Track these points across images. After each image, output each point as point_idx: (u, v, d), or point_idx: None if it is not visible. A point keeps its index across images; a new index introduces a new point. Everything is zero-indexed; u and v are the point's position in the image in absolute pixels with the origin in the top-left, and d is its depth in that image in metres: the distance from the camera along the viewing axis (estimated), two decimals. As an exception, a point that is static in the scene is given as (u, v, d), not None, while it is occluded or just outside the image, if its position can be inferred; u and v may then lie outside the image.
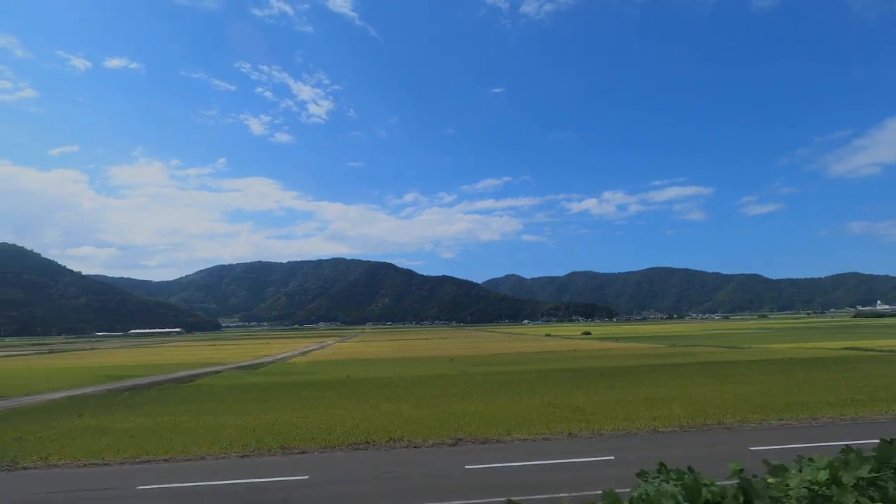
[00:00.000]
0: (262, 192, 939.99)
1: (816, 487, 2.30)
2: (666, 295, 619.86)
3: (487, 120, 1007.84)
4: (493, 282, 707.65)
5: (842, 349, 51.94)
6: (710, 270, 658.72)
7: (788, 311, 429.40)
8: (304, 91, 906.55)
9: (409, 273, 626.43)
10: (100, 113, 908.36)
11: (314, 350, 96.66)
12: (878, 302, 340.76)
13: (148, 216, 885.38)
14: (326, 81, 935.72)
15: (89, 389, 34.10)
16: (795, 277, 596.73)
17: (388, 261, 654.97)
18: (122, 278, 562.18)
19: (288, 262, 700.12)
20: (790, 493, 2.31)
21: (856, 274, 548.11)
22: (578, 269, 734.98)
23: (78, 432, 17.66)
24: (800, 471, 2.46)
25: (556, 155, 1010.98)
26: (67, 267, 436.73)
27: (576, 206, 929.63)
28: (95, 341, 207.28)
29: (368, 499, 9.85)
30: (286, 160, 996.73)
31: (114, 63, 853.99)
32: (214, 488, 11.00)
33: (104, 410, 23.27)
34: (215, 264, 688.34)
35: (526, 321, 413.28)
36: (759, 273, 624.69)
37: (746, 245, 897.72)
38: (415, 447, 13.38)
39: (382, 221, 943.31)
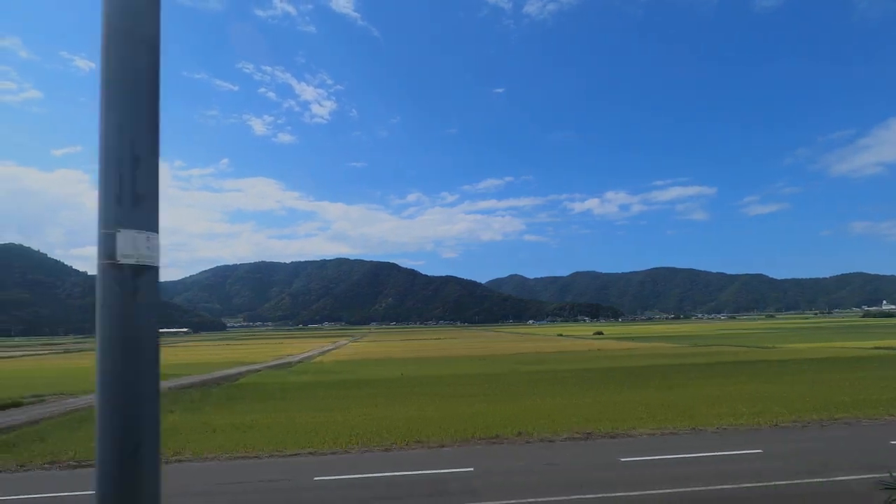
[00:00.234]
0: (264, 192, 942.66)
1: None
2: (669, 295, 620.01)
3: (489, 120, 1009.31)
4: (497, 282, 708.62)
5: (873, 348, 52.12)
6: (713, 270, 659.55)
7: (793, 312, 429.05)
8: (306, 91, 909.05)
9: (412, 273, 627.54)
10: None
11: (332, 349, 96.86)
12: (884, 302, 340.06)
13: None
14: (329, 82, 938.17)
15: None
16: (799, 277, 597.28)
17: (390, 261, 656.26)
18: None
19: (291, 262, 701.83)
20: None
21: (861, 274, 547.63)
22: (581, 270, 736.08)
23: (190, 428, 17.96)
24: None
25: (559, 155, 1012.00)
26: (73, 267, 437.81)
27: (578, 206, 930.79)
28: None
29: (543, 488, 10.11)
30: (288, 160, 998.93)
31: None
32: (391, 479, 11.30)
33: (188, 408, 23.54)
34: (217, 264, 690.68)
35: (531, 321, 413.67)
36: (763, 273, 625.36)
37: (750, 245, 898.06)
38: (549, 441, 13.65)
39: (384, 221, 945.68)
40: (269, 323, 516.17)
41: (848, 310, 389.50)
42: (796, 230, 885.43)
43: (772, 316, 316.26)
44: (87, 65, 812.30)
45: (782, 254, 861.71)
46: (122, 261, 1.54)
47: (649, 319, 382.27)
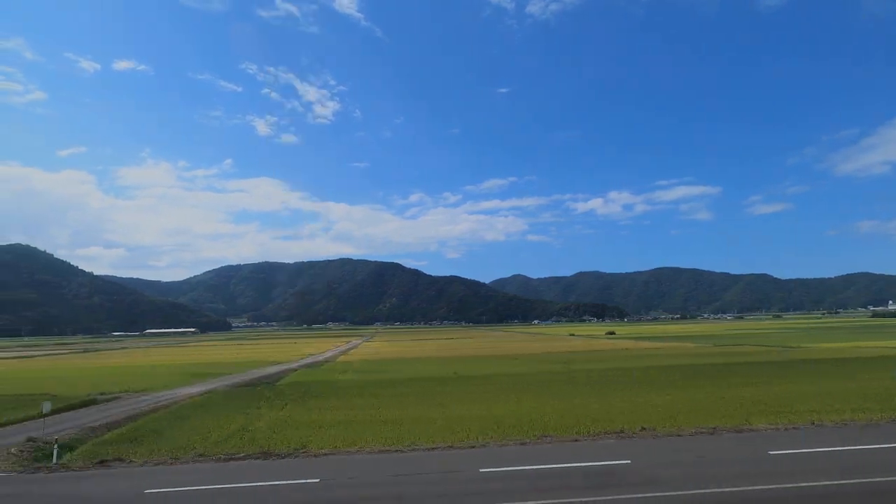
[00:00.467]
0: (267, 192, 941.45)
1: None
2: (674, 295, 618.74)
3: (492, 120, 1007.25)
4: (500, 282, 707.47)
5: (905, 348, 52.38)
6: (717, 270, 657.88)
7: (799, 312, 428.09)
8: (310, 92, 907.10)
9: (416, 273, 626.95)
10: (108, 114, 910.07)
11: (350, 349, 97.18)
12: (890, 302, 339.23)
13: (155, 217, 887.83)
14: (332, 82, 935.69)
15: (208, 385, 34.75)
16: (804, 277, 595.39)
17: (393, 261, 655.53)
18: (132, 278, 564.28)
19: (295, 262, 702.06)
20: None
21: (866, 274, 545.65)
22: (584, 270, 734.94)
23: (291, 424, 18.34)
24: None
25: (562, 155, 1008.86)
26: (79, 267, 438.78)
27: (581, 206, 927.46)
28: (115, 341, 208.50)
29: (697, 480, 10.51)
30: (292, 161, 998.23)
31: (122, 65, 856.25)
32: (556, 471, 11.64)
33: (274, 405, 23.89)
34: (221, 265, 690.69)
35: (536, 321, 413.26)
36: (767, 273, 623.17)
37: (754, 245, 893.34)
38: (678, 435, 14.04)
39: (387, 222, 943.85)
40: (274, 323, 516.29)
41: (854, 310, 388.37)
42: (801, 230, 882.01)
43: (778, 316, 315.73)
44: (92, 66, 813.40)
45: (787, 253, 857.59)
46: None
47: (655, 319, 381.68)
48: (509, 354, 65.74)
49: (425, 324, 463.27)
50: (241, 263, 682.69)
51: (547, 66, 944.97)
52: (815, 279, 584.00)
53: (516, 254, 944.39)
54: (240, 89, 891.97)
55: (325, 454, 13.92)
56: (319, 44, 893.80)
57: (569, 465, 12.02)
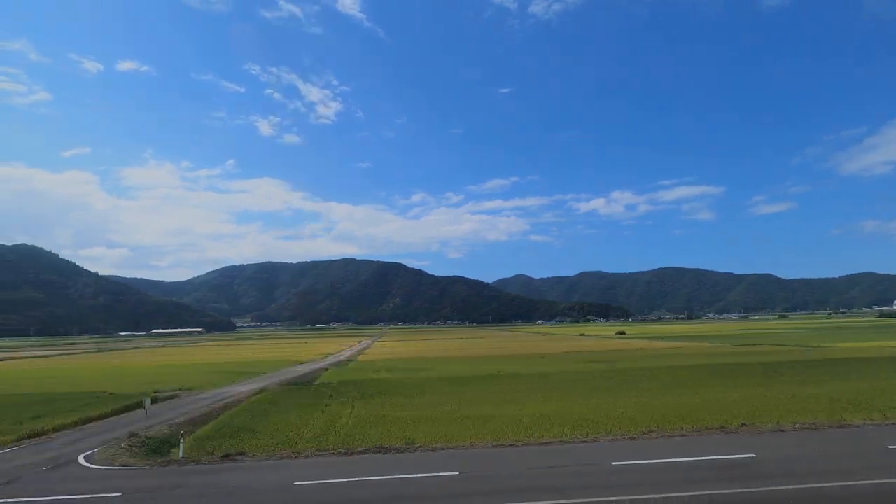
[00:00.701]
0: (270, 192, 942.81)
1: None
2: (677, 295, 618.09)
3: (495, 120, 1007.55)
4: (503, 282, 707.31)
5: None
6: (721, 270, 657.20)
7: (803, 312, 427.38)
8: (312, 92, 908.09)
9: (419, 273, 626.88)
10: (111, 115, 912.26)
11: (365, 349, 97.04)
12: (895, 302, 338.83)
13: (158, 217, 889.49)
14: (335, 83, 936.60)
15: (253, 384, 34.93)
16: (808, 277, 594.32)
17: (396, 261, 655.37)
18: (136, 279, 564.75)
19: (298, 262, 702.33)
20: None
21: (871, 274, 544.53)
22: (587, 270, 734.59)
23: (373, 420, 18.55)
24: None
25: (564, 155, 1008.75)
26: (84, 267, 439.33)
27: (584, 206, 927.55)
28: (123, 340, 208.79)
29: (827, 473, 10.81)
30: (294, 161, 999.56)
31: (125, 66, 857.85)
32: (684, 464, 11.84)
33: (337, 402, 24.10)
34: (224, 265, 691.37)
35: (540, 321, 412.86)
36: (771, 273, 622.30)
37: (758, 245, 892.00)
38: (781, 430, 14.29)
39: (389, 222, 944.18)
40: (277, 323, 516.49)
41: (859, 310, 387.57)
42: (805, 230, 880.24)
43: (784, 316, 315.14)
44: (96, 67, 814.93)
45: (791, 253, 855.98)
46: None
47: (659, 319, 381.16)
48: (535, 354, 65.90)
49: (429, 324, 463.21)
50: (245, 263, 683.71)
51: (549, 65, 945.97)
52: (818, 279, 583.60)
53: (518, 254, 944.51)
54: (243, 90, 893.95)
55: (449, 448, 14.14)
56: (322, 44, 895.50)
57: (695, 458, 12.23)
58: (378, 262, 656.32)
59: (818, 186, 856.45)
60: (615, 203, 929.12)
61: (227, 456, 14.01)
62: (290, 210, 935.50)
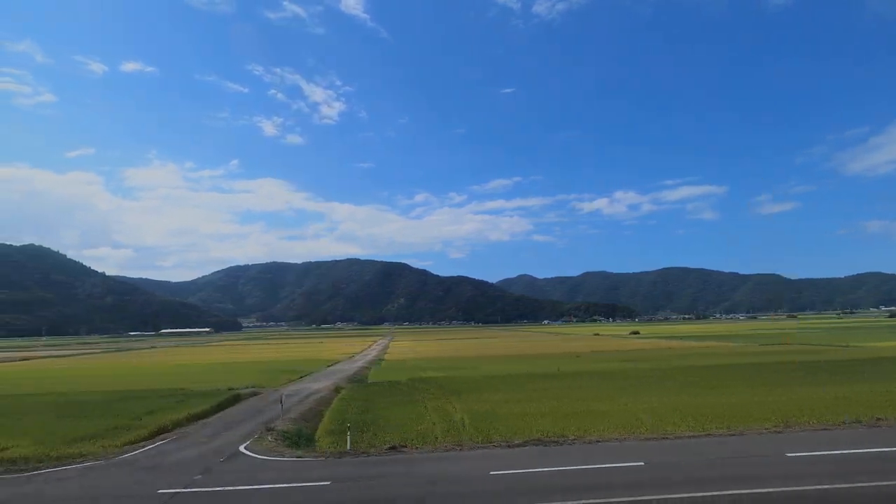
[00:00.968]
0: (273, 193, 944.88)
1: None
2: (682, 295, 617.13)
3: (498, 120, 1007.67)
4: (506, 282, 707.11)
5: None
6: (725, 270, 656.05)
7: (811, 312, 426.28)
8: (316, 93, 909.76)
9: (423, 273, 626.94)
10: (115, 116, 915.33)
11: (386, 349, 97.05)
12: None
13: (162, 217, 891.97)
14: (338, 83, 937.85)
15: (317, 383, 35.31)
16: (813, 277, 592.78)
17: (398, 261, 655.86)
18: (141, 279, 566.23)
19: (303, 262, 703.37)
20: None
21: (877, 273, 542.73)
22: (590, 270, 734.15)
23: (486, 416, 18.93)
24: None
25: (567, 155, 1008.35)
26: (91, 268, 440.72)
27: (587, 206, 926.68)
28: (136, 340, 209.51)
29: None
30: (297, 161, 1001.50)
31: (129, 67, 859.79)
32: (856, 456, 12.21)
33: (431, 399, 24.42)
34: (228, 265, 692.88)
35: (546, 321, 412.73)
36: (776, 273, 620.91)
37: (762, 244, 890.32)
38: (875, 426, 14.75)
39: (392, 222, 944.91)
40: (282, 323, 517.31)
41: (865, 310, 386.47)
42: (810, 229, 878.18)
43: (793, 316, 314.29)
44: (100, 68, 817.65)
45: (796, 253, 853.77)
46: None
47: (666, 319, 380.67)
48: (567, 353, 66.20)
49: (434, 324, 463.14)
50: (249, 264, 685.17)
51: (552, 65, 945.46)
52: (824, 279, 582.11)
53: (521, 254, 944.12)
54: (246, 90, 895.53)
55: (606, 441, 14.55)
56: (325, 45, 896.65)
57: (865, 450, 12.61)
58: (382, 262, 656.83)
59: (823, 186, 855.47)
60: (618, 203, 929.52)
61: (392, 448, 14.47)
62: (293, 210, 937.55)
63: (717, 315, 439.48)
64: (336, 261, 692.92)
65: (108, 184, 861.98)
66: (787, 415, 17.23)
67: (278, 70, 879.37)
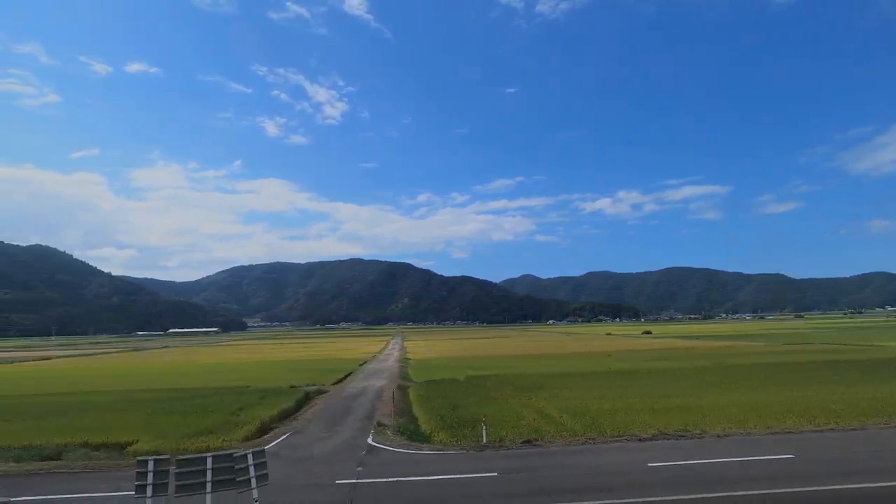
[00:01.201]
0: (276, 193, 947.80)
1: None
2: (686, 295, 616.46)
3: (501, 120, 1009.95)
4: (510, 282, 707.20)
5: None
6: (729, 270, 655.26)
7: (817, 312, 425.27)
8: (319, 93, 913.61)
9: (427, 273, 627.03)
10: (119, 117, 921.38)
11: (405, 349, 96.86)
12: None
13: (166, 218, 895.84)
14: (341, 83, 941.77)
15: (370, 381, 35.34)
16: (818, 277, 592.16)
17: (401, 261, 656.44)
18: (146, 279, 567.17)
19: (306, 262, 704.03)
20: None
21: (882, 273, 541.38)
22: (593, 269, 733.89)
23: (585, 412, 19.02)
24: None
25: (569, 155, 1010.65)
26: (97, 268, 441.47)
27: (589, 206, 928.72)
28: (146, 340, 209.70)
29: None
30: (300, 161, 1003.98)
31: (134, 68, 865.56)
32: None
33: (507, 396, 24.47)
34: (232, 265, 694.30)
35: (551, 321, 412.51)
36: (781, 273, 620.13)
37: (766, 244, 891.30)
38: None
39: (394, 222, 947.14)
40: (287, 323, 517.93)
41: (872, 310, 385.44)
42: (814, 229, 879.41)
43: (800, 316, 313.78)
44: (105, 69, 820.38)
45: (800, 253, 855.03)
46: None
47: (671, 319, 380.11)
48: (598, 352, 66.11)
49: (438, 324, 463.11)
50: (253, 264, 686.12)
51: (555, 65, 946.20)
52: (829, 279, 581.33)
53: (523, 254, 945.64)
54: (249, 91, 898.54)
55: (733, 434, 14.60)
56: (328, 45, 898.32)
57: None
58: (385, 262, 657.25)
59: (827, 185, 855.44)
60: (621, 203, 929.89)
61: (526, 441, 14.57)
62: (296, 210, 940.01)
63: (723, 315, 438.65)
64: (339, 261, 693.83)
65: (112, 184, 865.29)
66: (889, 410, 17.31)
67: (281, 70, 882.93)
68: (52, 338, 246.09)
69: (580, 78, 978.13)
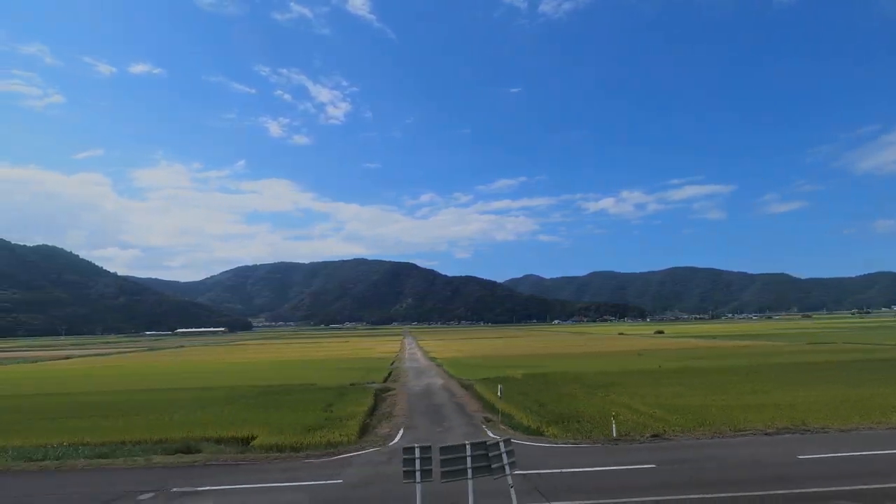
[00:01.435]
0: (279, 193, 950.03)
1: None
2: (690, 295, 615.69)
3: (504, 120, 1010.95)
4: (513, 281, 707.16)
5: None
6: (733, 270, 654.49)
7: (823, 311, 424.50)
8: (322, 93, 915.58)
9: (431, 273, 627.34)
10: (123, 117, 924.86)
11: (422, 349, 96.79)
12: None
13: (169, 218, 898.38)
14: (344, 83, 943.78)
15: (426, 380, 35.45)
16: (823, 277, 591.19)
17: (404, 261, 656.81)
18: (150, 279, 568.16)
19: (310, 262, 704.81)
20: None
21: (888, 273, 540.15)
22: (597, 269, 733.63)
23: (686, 410, 19.27)
24: None
25: (572, 154, 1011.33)
26: (103, 268, 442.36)
27: (592, 206, 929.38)
28: (156, 339, 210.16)
29: None
30: (303, 162, 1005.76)
31: (138, 69, 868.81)
32: None
33: (592, 392, 24.67)
34: (235, 265, 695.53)
35: (556, 321, 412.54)
36: (785, 272, 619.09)
37: (770, 244, 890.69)
38: None
39: (397, 222, 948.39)
40: (291, 323, 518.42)
41: (878, 310, 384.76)
42: (818, 228, 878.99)
43: (808, 316, 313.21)
44: (109, 69, 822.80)
45: (805, 253, 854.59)
46: None
47: (677, 319, 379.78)
48: (626, 351, 66.29)
49: (443, 324, 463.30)
50: (255, 264, 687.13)
51: (559, 65, 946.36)
52: (833, 279, 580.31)
53: (526, 254, 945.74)
54: (253, 91, 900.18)
55: (850, 430, 14.88)
56: (331, 45, 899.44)
57: None
58: (389, 262, 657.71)
59: (831, 185, 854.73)
60: (624, 202, 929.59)
61: (654, 435, 14.81)
62: (299, 210, 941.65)
63: (729, 315, 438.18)
64: (343, 261, 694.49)
65: (115, 185, 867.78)
66: None
67: (285, 71, 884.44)
68: (62, 337, 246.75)
69: (583, 77, 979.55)
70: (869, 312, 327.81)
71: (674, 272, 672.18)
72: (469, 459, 7.37)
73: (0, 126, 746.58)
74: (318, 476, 11.85)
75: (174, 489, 10.87)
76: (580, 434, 15.77)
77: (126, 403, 24.05)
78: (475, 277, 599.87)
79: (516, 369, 44.04)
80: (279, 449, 15.38)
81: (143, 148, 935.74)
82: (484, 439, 7.93)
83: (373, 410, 22.38)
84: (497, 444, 7.61)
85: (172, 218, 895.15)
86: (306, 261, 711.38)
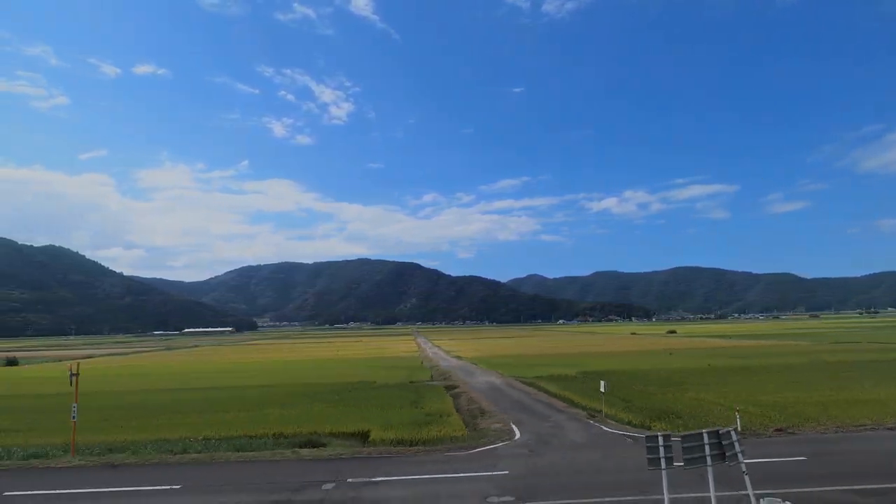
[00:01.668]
0: (282, 193, 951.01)
1: None
2: (695, 295, 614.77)
3: (506, 120, 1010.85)
4: (517, 281, 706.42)
5: None
6: (738, 270, 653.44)
7: (830, 311, 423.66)
8: (325, 94, 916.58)
9: (435, 273, 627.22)
10: (127, 118, 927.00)
11: (444, 348, 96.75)
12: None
13: (173, 218, 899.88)
14: (347, 84, 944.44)
15: (484, 377, 35.57)
16: (827, 276, 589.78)
17: (407, 261, 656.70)
18: (155, 279, 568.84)
19: (314, 262, 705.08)
20: None
21: (893, 273, 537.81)
22: (600, 269, 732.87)
23: (784, 407, 19.47)
24: None
25: (575, 154, 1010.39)
26: (109, 268, 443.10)
27: (595, 206, 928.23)
28: (165, 339, 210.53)
29: None
30: (306, 162, 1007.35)
31: (142, 70, 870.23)
32: None
33: (664, 391, 24.87)
34: (239, 265, 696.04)
35: (561, 321, 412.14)
36: (790, 272, 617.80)
37: (774, 243, 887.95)
38: None
39: (399, 222, 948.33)
40: (296, 323, 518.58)
41: (885, 309, 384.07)
42: (823, 228, 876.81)
43: (815, 316, 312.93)
44: (114, 70, 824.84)
45: (809, 252, 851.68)
46: None
47: (682, 319, 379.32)
48: (655, 350, 66.58)
49: (447, 324, 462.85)
50: (258, 264, 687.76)
51: (562, 65, 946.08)
52: (838, 278, 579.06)
53: (529, 254, 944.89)
54: (256, 92, 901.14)
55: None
56: (335, 46, 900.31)
57: None
58: (393, 262, 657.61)
59: (836, 184, 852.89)
60: (627, 202, 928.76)
61: (778, 430, 15.06)
62: (302, 211, 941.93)
63: (735, 315, 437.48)
64: (347, 261, 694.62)
65: (119, 185, 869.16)
66: None
67: (288, 71, 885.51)
68: (72, 337, 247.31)
69: (586, 77, 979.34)
70: (877, 312, 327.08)
71: (677, 272, 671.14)
72: (707, 447, 7.65)
73: (5, 127, 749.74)
74: (476, 468, 12.10)
75: (350, 479, 11.13)
76: (684, 429, 15.93)
77: (222, 400, 24.36)
78: (479, 277, 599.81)
79: (559, 368, 43.96)
80: (399, 443, 15.62)
81: (148, 148, 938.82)
82: (716, 428, 8.19)
83: (456, 407, 22.63)
84: (728, 433, 7.87)
85: (176, 218, 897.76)
86: (310, 261, 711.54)
